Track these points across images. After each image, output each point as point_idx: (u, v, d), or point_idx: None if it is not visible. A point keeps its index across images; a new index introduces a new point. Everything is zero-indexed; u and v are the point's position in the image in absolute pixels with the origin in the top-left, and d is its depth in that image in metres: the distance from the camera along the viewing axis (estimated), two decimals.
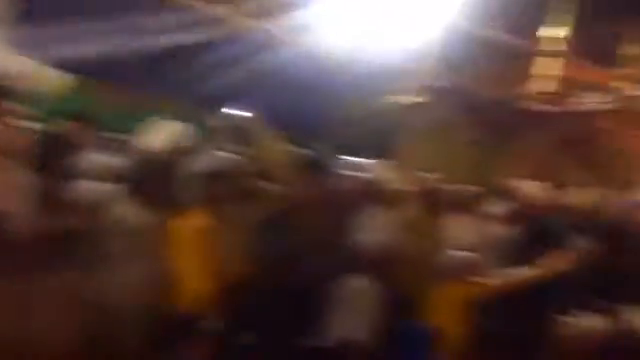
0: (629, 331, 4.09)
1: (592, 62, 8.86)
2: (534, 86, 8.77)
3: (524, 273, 3.86)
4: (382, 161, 5.37)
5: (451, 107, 7.73)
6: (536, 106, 8.48)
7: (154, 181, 3.28)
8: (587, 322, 3.97)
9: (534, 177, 5.66)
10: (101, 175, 3.57)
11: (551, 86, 8.67)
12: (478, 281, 3.78)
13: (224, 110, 4.20)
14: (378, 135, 7.04)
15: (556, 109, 8.47)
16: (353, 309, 3.47)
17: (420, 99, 7.85)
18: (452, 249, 4.04)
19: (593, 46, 8.57)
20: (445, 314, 3.71)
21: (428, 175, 5.33)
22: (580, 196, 5.38)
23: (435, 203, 4.56)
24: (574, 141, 8.06)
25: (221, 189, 3.33)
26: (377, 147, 6.26)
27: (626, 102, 8.36)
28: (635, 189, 6.77)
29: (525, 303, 3.95)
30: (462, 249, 4.04)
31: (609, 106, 8.39)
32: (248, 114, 3.88)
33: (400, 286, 3.81)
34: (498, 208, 4.90)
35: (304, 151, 3.90)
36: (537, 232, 4.53)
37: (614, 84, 8.64)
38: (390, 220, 4.27)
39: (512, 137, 7.90)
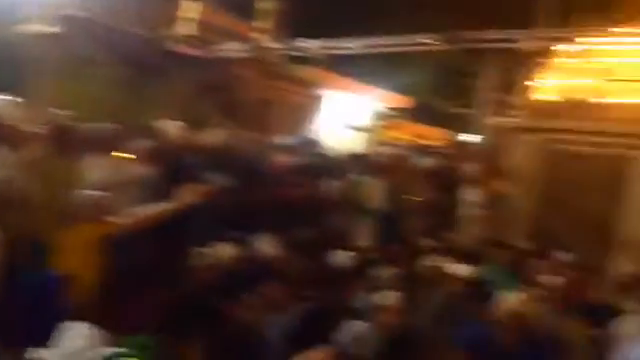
0: (257, 257, 4.52)
1: (230, 11, 9.38)
2: (178, 29, 8.83)
3: (159, 208, 3.88)
4: (5, 96, 4.68)
5: (90, 41, 7.20)
6: (180, 48, 8.56)
7: None
8: (220, 252, 4.21)
9: (176, 117, 5.74)
10: None
11: (193, 30, 8.87)
12: (111, 220, 3.65)
13: None
14: (3, 67, 6.11)
15: (198, 53, 8.72)
16: None
17: (55, 30, 7.07)
18: (85, 189, 3.80)
19: None
20: (77, 257, 3.48)
21: (60, 113, 4.89)
22: (216, 136, 5.67)
23: (66, 142, 4.21)
24: (214, 85, 8.45)
25: None
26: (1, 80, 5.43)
27: (261, 53, 9.11)
28: (269, 133, 7.53)
29: (163, 237, 4.01)
30: (96, 189, 3.84)
31: (246, 55, 9.01)
32: None
33: (24, 231, 3.41)
34: (139, 146, 4.81)
35: None
36: (174, 169, 4.62)
37: (251, 35, 9.31)
38: (11, 160, 3.77)
39: (156, 77, 7.83)
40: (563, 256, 5.33)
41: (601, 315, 4.42)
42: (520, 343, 3.72)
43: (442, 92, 13.07)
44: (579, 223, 6.32)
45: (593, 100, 7.73)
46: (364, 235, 5.85)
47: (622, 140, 6.28)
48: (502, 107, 7.87)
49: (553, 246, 5.63)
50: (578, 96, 8.70)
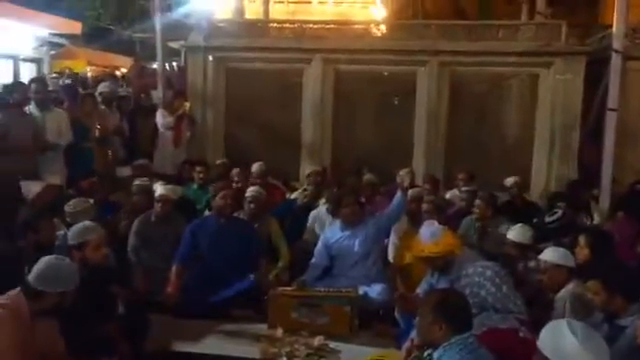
0: None
1: None
2: None
3: None
4: None
5: None
6: None
7: None
8: None
9: None
10: None
11: None
12: None
13: None
14: None
15: None
16: None
17: None
18: None
19: None
20: None
21: None
22: None
23: None
24: None
25: None
26: None
27: None
28: None
29: None
30: None
31: None
32: None
33: None
34: None
35: None
36: None
37: None
38: None
39: None
40: (257, 166, 5.69)
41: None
42: None
43: (118, 17, 12.25)
44: (266, 135, 6.76)
45: (264, 19, 8.22)
46: (54, 172, 5.29)
47: (289, 55, 6.78)
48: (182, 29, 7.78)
49: (248, 159, 5.94)
50: (251, 16, 9.15)
